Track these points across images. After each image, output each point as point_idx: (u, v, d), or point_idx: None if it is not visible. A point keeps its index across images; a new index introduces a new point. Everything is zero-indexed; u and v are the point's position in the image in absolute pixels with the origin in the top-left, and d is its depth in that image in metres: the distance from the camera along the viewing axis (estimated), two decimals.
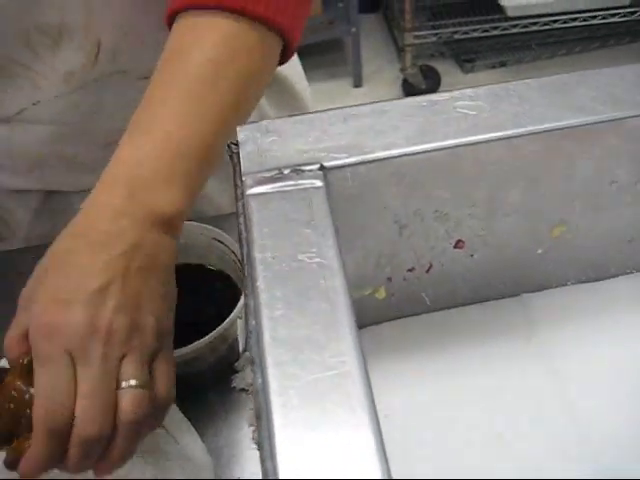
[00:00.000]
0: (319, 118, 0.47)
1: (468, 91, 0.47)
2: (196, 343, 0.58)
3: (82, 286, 0.44)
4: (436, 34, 2.27)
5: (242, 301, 0.61)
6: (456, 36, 2.25)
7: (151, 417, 0.47)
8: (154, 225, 0.47)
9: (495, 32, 2.19)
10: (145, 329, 0.46)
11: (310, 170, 0.43)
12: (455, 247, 0.52)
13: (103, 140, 0.76)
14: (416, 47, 2.30)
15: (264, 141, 0.45)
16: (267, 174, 0.43)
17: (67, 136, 0.74)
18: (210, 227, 0.66)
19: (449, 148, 0.45)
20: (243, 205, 0.42)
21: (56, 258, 0.47)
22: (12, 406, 0.46)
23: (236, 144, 0.46)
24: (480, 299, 0.57)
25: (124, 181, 0.47)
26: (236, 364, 0.68)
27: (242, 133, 0.46)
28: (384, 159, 0.45)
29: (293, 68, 0.87)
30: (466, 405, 0.51)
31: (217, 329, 0.59)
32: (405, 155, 0.45)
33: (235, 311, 0.60)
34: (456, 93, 0.47)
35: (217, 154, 0.51)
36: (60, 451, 0.44)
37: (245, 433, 0.64)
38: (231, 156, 0.46)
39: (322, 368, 0.33)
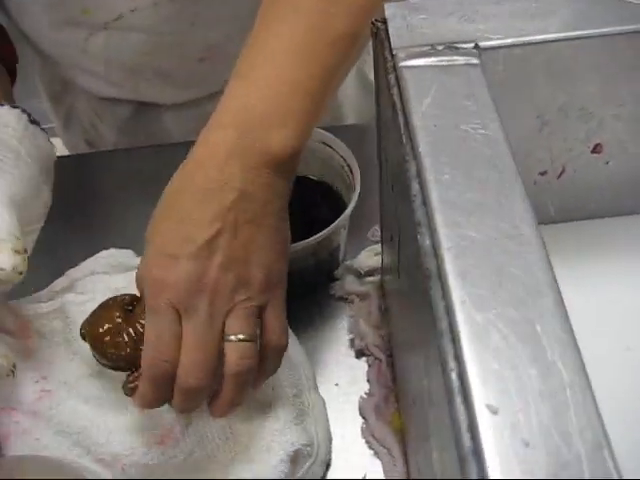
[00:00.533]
0: (470, 0, 0.44)
1: None
2: (301, 242, 0.57)
3: (189, 239, 0.44)
4: None
5: (350, 209, 0.59)
6: None
7: (265, 364, 0.48)
8: (266, 168, 0.45)
9: None
10: (252, 283, 0.45)
11: (465, 48, 0.41)
12: (593, 151, 0.49)
13: (197, 54, 0.75)
14: None
15: (413, 18, 0.43)
16: (419, 49, 0.41)
17: (162, 47, 0.73)
18: (319, 130, 0.65)
19: (607, 36, 0.43)
20: (396, 77, 0.40)
21: (167, 203, 0.46)
22: (134, 336, 0.48)
23: (382, 21, 0.44)
24: (606, 214, 0.54)
25: (234, 122, 0.45)
26: (336, 272, 0.67)
27: (389, 10, 0.44)
28: (541, 42, 0.42)
29: None
30: (594, 315, 0.49)
31: (323, 231, 0.58)
32: (562, 40, 0.42)
33: (341, 218, 0.59)
34: None
35: (333, 88, 0.48)
36: (166, 395, 0.46)
37: (342, 341, 0.63)
38: (376, 33, 0.44)
39: (496, 232, 0.32)
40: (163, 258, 0.44)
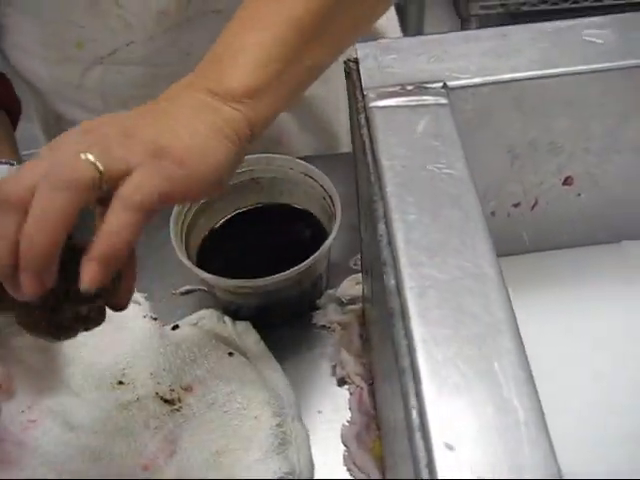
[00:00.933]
0: (439, 40, 0.46)
1: (596, 19, 0.46)
2: (283, 273, 0.58)
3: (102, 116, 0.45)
4: (503, 5, 2.21)
5: (330, 239, 0.60)
6: (524, 8, 2.20)
7: (108, 218, 0.40)
8: (212, 93, 0.46)
9: (566, 5, 2.13)
10: (137, 138, 0.42)
11: (434, 88, 0.43)
12: (564, 184, 0.51)
13: None
14: (481, 18, 2.25)
15: (385, 58, 0.45)
16: (390, 89, 0.42)
17: (158, 78, 0.73)
18: (300, 161, 0.66)
19: (574, 74, 0.44)
20: (366, 118, 0.41)
21: None
22: None
23: (354, 61, 0.45)
24: (579, 243, 0.55)
25: (197, 69, 0.48)
26: (318, 301, 0.68)
27: (361, 50, 0.45)
28: (508, 81, 0.44)
29: (389, 20, 0.85)
30: (567, 344, 0.50)
31: (304, 262, 0.59)
32: (530, 79, 0.44)
33: (322, 249, 0.60)
34: (584, 20, 0.46)
35: (304, 59, 0.48)
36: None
37: (324, 369, 0.64)
38: (349, 73, 0.45)
39: (459, 271, 0.33)
40: None
